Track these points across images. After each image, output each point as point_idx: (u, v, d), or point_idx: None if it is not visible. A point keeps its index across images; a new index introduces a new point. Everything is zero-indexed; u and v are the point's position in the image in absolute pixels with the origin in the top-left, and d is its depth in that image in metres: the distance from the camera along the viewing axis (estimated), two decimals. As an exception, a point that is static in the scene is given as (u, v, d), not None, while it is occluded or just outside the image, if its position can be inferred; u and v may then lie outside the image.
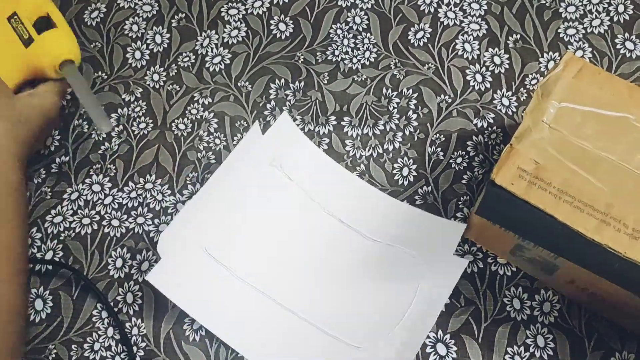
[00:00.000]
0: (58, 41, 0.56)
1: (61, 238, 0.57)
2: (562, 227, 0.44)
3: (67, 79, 0.55)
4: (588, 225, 0.44)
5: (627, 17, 0.64)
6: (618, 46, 0.63)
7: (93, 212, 0.58)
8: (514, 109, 0.61)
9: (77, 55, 0.57)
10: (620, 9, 0.65)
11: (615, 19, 0.64)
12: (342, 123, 0.61)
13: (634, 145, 0.47)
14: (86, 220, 0.58)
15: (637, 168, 0.46)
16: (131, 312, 0.54)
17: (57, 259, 0.56)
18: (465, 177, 0.59)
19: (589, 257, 0.45)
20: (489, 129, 0.60)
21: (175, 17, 0.67)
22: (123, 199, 0.59)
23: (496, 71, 0.63)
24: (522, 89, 0.62)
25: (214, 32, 0.66)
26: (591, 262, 0.45)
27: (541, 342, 0.52)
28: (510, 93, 0.62)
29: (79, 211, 0.58)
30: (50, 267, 0.56)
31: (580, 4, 0.65)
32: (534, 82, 0.62)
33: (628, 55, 0.62)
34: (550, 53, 0.63)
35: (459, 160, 0.59)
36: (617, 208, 0.44)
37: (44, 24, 0.56)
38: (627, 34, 0.64)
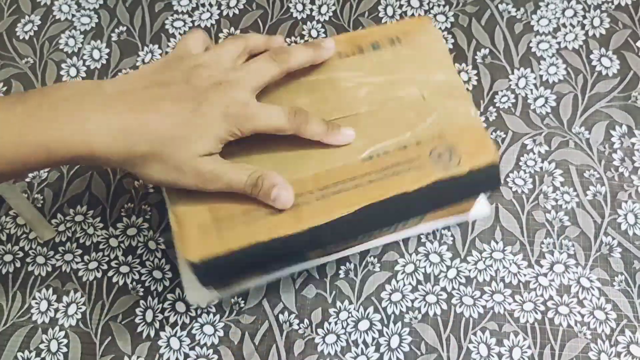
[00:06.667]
0: None
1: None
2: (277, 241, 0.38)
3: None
4: (289, 224, 0.38)
5: (603, 32, 0.60)
6: (593, 63, 0.58)
7: (16, 247, 0.53)
8: (482, 131, 0.56)
9: None
10: (596, 22, 0.60)
11: (591, 33, 0.60)
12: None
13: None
14: (8, 257, 0.52)
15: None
16: (54, 362, 0.49)
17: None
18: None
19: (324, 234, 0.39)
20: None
21: (116, 30, 0.61)
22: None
23: (463, 89, 0.58)
24: (491, 107, 0.57)
25: (157, 46, 0.60)
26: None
27: (510, 394, 0.47)
28: (478, 113, 0.57)
29: (0, 247, 0.53)
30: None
31: (554, 17, 0.60)
32: (503, 99, 0.57)
33: (604, 72, 0.58)
34: (522, 69, 0.58)
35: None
36: (300, 181, 0.39)
37: None
38: (603, 50, 0.59)
